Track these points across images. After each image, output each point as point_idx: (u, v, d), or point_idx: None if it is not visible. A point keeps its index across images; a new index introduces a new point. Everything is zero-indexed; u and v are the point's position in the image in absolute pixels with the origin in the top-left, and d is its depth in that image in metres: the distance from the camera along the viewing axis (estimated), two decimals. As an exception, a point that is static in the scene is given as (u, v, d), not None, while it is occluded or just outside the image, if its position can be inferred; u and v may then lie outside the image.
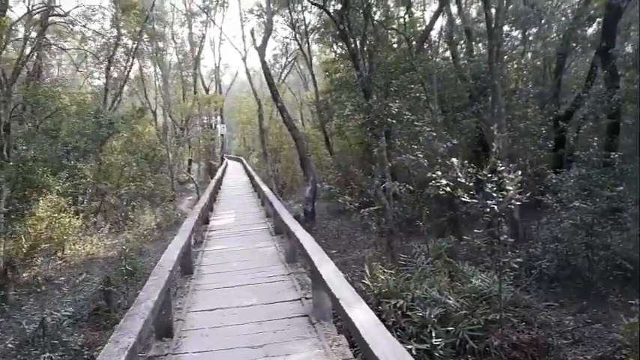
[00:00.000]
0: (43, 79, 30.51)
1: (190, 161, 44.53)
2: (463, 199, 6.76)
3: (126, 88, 43.43)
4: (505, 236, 6.83)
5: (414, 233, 14.42)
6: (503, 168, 6.74)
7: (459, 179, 6.69)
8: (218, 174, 23.15)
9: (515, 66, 14.88)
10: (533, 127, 13.02)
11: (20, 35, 20.63)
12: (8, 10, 17.41)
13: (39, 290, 12.43)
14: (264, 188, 12.64)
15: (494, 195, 6.66)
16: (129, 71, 35.42)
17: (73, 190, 18.78)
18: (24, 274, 13.67)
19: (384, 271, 8.05)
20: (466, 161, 8.99)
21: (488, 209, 6.59)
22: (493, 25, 12.40)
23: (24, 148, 17.62)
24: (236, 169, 35.15)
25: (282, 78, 41.98)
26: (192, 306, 5.29)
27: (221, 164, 40.19)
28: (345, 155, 22.53)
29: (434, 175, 9.11)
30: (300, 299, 5.18)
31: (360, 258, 14.46)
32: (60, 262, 15.34)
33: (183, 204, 31.56)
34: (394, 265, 9.95)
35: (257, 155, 45.20)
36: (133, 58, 35.06)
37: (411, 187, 9.53)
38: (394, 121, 9.30)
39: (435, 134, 9.77)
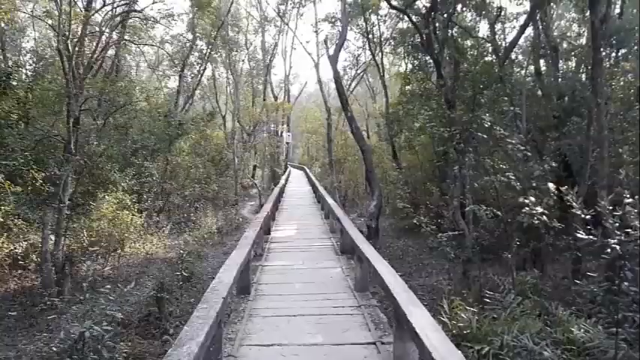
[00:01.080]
0: (120, 77, 31.81)
1: (255, 167, 44.79)
2: (579, 234, 5.53)
3: (198, 92, 44.60)
4: (627, 284, 5.55)
5: (489, 262, 13.08)
6: (630, 201, 5.48)
7: (573, 210, 5.48)
8: (281, 182, 22.71)
9: (622, 84, 13.18)
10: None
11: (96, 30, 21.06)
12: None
13: (93, 289, 12.24)
14: (330, 201, 11.85)
15: (617, 232, 5.43)
16: (201, 75, 36.12)
17: (138, 187, 18.89)
18: (83, 269, 13.59)
19: (465, 308, 6.94)
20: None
21: (609, 249, 5.36)
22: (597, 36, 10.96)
23: (95, 143, 17.86)
24: (299, 178, 34.76)
25: (351, 89, 41.35)
26: (247, 337, 4.50)
27: (285, 172, 40.03)
28: (414, 171, 21.31)
29: (526, 201, 7.91)
30: (374, 344, 4.26)
31: (429, 285, 13.29)
32: (119, 259, 15.23)
33: (246, 209, 31.45)
34: (473, 299, 8.77)
35: (320, 165, 44.73)
36: (207, 62, 35.76)
37: (498, 213, 8.34)
38: (485, 136, 8.19)
39: (529, 154, 8.53)
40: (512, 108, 11.48)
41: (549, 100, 14.89)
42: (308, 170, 37.13)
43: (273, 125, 50.37)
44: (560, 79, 15.94)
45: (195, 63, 36.46)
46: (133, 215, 16.96)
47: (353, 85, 42.52)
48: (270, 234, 10.63)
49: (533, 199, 8.34)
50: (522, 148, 8.58)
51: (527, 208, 7.96)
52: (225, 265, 4.75)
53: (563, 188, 9.10)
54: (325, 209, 13.54)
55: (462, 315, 6.72)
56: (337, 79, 20.99)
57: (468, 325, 6.46)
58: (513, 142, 8.51)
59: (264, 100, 42.22)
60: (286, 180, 26.22)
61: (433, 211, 13.20)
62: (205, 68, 36.70)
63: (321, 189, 16.91)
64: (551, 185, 8.42)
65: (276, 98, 46.36)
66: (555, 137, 13.57)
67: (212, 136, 34.92)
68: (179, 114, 22.89)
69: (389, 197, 23.61)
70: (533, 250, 11.88)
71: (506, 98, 11.89)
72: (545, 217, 8.00)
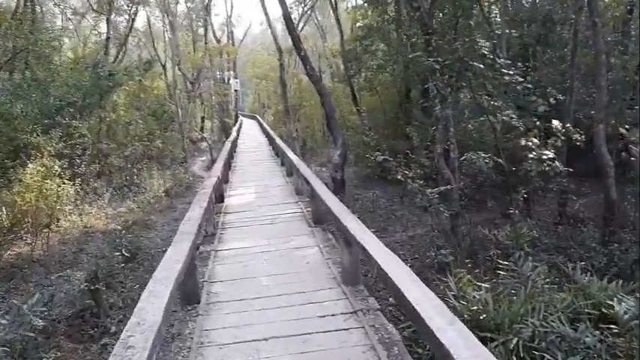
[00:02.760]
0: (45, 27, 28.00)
1: (203, 118, 41.93)
2: None
3: (133, 40, 40.58)
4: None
5: (470, 211, 11.96)
6: None
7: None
8: (233, 134, 20.66)
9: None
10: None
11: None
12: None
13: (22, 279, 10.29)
14: (291, 156, 10.17)
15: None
16: (134, 20, 32.54)
17: (69, 151, 16.47)
18: (6, 254, 11.49)
19: (476, 285, 5.61)
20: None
21: None
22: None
23: (7, 102, 15.19)
24: (252, 128, 32.60)
25: (299, 29, 38.59)
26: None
27: (235, 122, 37.62)
28: (376, 114, 19.76)
29: (530, 144, 6.52)
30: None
31: (407, 240, 12.08)
32: (47, 238, 13.15)
33: (196, 165, 29.23)
34: (469, 261, 7.52)
35: (273, 113, 42.44)
36: (137, 4, 32.13)
37: (499, 160, 6.97)
38: (482, 66, 6.63)
39: (530, 86, 7.07)
40: (492, 34, 9.92)
41: (524, 27, 13.48)
42: (261, 119, 34.88)
43: (218, 72, 47.13)
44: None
45: (125, 5, 32.79)
46: (63, 183, 14.73)
47: (301, 25, 39.68)
48: (223, 201, 8.85)
49: (536, 140, 6.99)
50: (522, 80, 7.10)
51: (534, 153, 6.59)
52: (156, 274, 3.07)
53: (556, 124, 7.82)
54: (286, 165, 11.84)
55: (474, 294, 5.39)
56: (286, 14, 18.67)
57: (483, 309, 5.14)
58: (511, 72, 7.00)
59: (205, 44, 38.90)
60: (238, 132, 24.10)
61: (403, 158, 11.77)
62: (137, 11, 33.11)
63: (278, 141, 15.12)
64: (556, 122, 7.07)
65: (219, 42, 43.00)
66: (533, 67, 12.25)
67: (152, 88, 31.95)
68: (109, 64, 20.01)
69: (349, 144, 22.08)
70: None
71: (486, 25, 10.31)
72: (557, 163, 6.68)
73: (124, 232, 12.60)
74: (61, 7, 38.41)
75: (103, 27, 35.13)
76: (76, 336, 7.55)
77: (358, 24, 20.33)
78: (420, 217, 14.24)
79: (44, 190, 13.94)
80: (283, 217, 7.38)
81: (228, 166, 12.60)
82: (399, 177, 7.30)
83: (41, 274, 10.60)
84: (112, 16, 32.95)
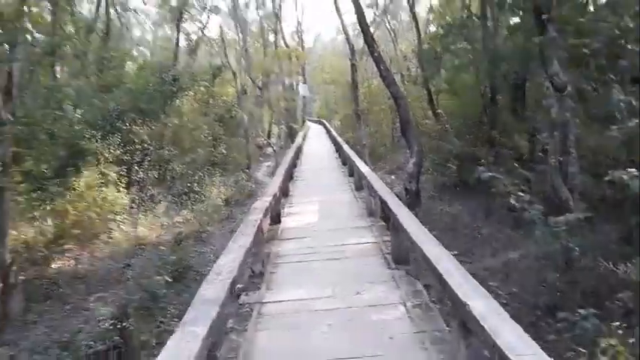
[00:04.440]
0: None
1: (270, 124, 41.24)
2: None
3: (206, 48, 40.76)
4: None
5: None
6: None
7: None
8: (297, 140, 19.30)
9: None
10: None
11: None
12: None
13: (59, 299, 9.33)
14: (362, 168, 8.49)
15: None
16: (205, 26, 32.38)
17: (128, 157, 15.81)
18: (51, 267, 10.66)
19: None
20: None
21: None
22: None
23: (70, 108, 14.67)
24: (318, 134, 31.26)
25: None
26: None
27: (302, 127, 36.55)
28: (456, 119, 17.60)
29: None
30: None
31: (500, 267, 9.94)
32: (101, 248, 12.31)
33: (261, 171, 28.25)
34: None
35: (340, 118, 40.97)
36: (208, 11, 31.94)
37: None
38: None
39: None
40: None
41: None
42: (328, 124, 33.40)
43: (287, 78, 46.47)
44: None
45: (196, 13, 32.76)
46: (118, 191, 13.97)
47: (371, 29, 37.96)
48: (280, 222, 7.28)
49: None
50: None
51: None
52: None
53: None
54: (355, 176, 10.16)
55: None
56: (360, 12, 17.05)
57: None
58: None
59: (275, 49, 38.19)
60: (304, 137, 22.76)
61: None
62: (209, 18, 32.94)
63: (346, 148, 13.50)
64: None
65: (288, 47, 42.25)
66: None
67: (222, 94, 31.50)
68: (173, 69, 19.34)
69: (424, 150, 19.99)
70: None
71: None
72: None
73: (173, 247, 11.51)
74: (141, 17, 39.48)
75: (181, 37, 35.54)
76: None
77: (437, 22, 18.28)
78: (511, 237, 12.02)
79: (97, 199, 13.24)
80: (353, 249, 5.66)
81: (289, 176, 11.12)
82: (512, 201, 5.36)
83: (81, 294, 9.61)
84: (183, 23, 33.21)
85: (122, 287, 10.00)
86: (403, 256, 4.94)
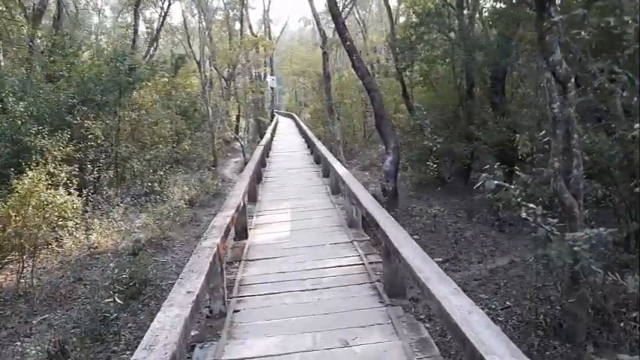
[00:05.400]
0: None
1: (238, 117, 39.80)
2: None
3: (168, 37, 38.95)
4: None
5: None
6: None
7: None
8: (267, 136, 18.16)
9: None
10: None
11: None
12: None
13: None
14: (339, 169, 7.51)
15: None
16: (166, 13, 30.69)
17: (81, 155, 14.40)
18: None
19: None
20: None
21: None
22: None
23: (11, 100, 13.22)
24: (288, 128, 30.15)
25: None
26: None
27: (271, 121, 35.37)
28: (432, 113, 16.85)
29: None
30: None
31: (489, 276, 9.24)
32: (50, 259, 11.03)
33: (228, 167, 26.97)
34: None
35: (310, 111, 39.97)
36: (170, -3, 30.30)
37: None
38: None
39: None
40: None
41: None
42: (298, 118, 32.29)
43: (254, 70, 45.03)
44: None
45: (156, -1, 31.08)
46: (69, 193, 12.59)
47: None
48: (247, 237, 6.25)
49: None
50: None
51: None
52: None
53: None
54: (332, 178, 9.21)
55: None
56: (330, -2, 16.05)
57: None
58: None
59: (241, 38, 36.77)
60: (273, 132, 21.60)
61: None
62: (170, 4, 31.22)
63: (319, 145, 12.50)
64: None
65: (255, 36, 40.86)
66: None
67: (186, 85, 30.02)
68: (130, 57, 17.88)
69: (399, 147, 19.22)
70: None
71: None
72: None
73: (127, 258, 10.36)
74: (96, 3, 37.33)
75: (142, 25, 33.72)
76: None
77: (411, 10, 17.47)
78: (496, 240, 11.40)
79: (44, 203, 11.86)
80: (334, 274, 4.70)
81: (258, 177, 10.08)
82: (523, 215, 4.51)
83: (23, 316, 8.37)
84: (143, 9, 31.44)
85: (72, 306, 8.86)
86: (398, 287, 4.03)
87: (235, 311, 4.00)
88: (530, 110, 11.87)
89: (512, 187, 4.61)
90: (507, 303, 7.92)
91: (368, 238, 5.82)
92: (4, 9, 19.87)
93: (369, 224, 5.31)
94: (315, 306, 4.05)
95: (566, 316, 6.42)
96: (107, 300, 7.36)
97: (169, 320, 2.41)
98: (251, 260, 5.39)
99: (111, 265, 7.43)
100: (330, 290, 4.34)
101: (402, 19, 30.06)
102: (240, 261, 5.33)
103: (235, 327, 3.74)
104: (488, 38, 15.55)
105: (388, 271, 4.06)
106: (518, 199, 4.56)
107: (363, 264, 4.93)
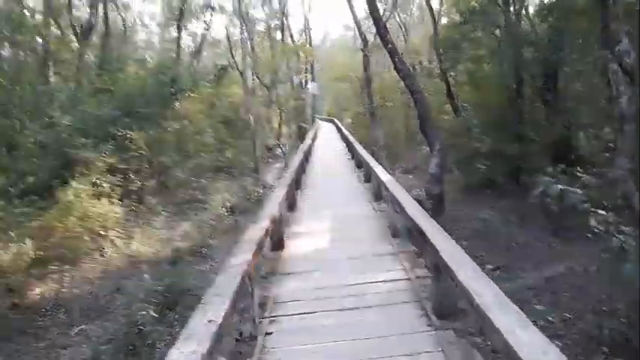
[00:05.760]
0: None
1: (280, 124, 39.89)
2: None
3: (212, 50, 39.52)
4: None
5: None
6: None
7: None
8: (307, 141, 17.87)
9: None
10: None
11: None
12: None
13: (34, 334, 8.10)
14: (383, 176, 7.06)
15: None
16: (209, 25, 31.19)
17: (124, 165, 14.61)
18: (30, 294, 9.44)
19: None
20: None
21: None
22: None
23: (56, 114, 13.57)
24: (329, 133, 29.83)
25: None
26: None
27: (312, 126, 35.21)
28: (480, 113, 16.08)
29: None
30: None
31: (544, 285, 8.49)
32: (91, 268, 11.09)
33: (270, 174, 26.84)
34: None
35: (351, 116, 39.52)
36: (211, 9, 30.73)
37: None
38: None
39: None
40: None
41: None
42: (339, 123, 31.91)
43: (295, 77, 45.14)
44: None
45: (198, 11, 31.59)
46: (111, 203, 12.76)
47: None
48: (283, 247, 5.89)
49: None
50: None
51: None
52: None
53: None
54: (374, 184, 8.76)
55: None
56: (371, 1, 15.64)
57: None
58: None
59: (282, 46, 36.87)
60: (313, 138, 21.28)
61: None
62: (212, 16, 31.71)
63: (361, 150, 12.07)
64: None
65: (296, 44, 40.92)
66: None
67: (228, 94, 30.26)
68: (172, 69, 18.09)
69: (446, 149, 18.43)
70: None
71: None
72: None
73: (166, 267, 10.28)
74: (143, 20, 38.42)
75: (186, 39, 34.44)
76: None
77: (455, 9, 16.81)
78: (551, 245, 10.54)
79: (88, 213, 12.05)
80: (378, 291, 4.24)
81: (297, 184, 9.74)
82: (593, 224, 3.94)
83: (61, 327, 8.36)
84: (186, 22, 32.03)
85: (110, 317, 8.80)
86: (448, 307, 3.55)
87: (267, 334, 3.62)
88: (587, 107, 11.00)
89: (580, 191, 4.04)
90: (566, 315, 7.16)
91: (413, 248, 5.34)
92: (56, 28, 20.65)
93: (413, 233, 4.85)
94: (356, 328, 3.61)
95: (633, 332, 5.71)
96: (142, 313, 7.18)
97: (183, 358, 2.05)
98: (287, 274, 5.02)
99: (145, 276, 7.24)
100: (373, 310, 3.89)
101: (444, 20, 29.25)
102: (275, 274, 4.98)
103: (267, 352, 3.36)
104: (537, 34, 14.70)
105: (438, 290, 3.59)
106: (585, 205, 3.97)
107: (409, 279, 4.45)
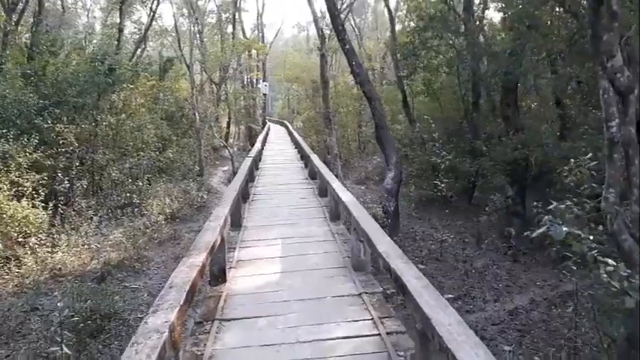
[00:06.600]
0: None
1: (229, 124, 38.43)
2: None
3: (158, 40, 37.48)
4: None
5: None
6: None
7: None
8: (256, 145, 16.84)
9: None
10: None
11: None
12: None
13: None
14: (343, 195, 6.24)
15: None
16: (154, 12, 29.34)
17: (51, 162, 13.08)
18: None
19: None
20: None
21: None
22: None
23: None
24: (280, 137, 28.86)
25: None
26: None
27: (262, 128, 34.08)
28: (437, 125, 15.62)
29: None
30: None
31: (508, 319, 8.01)
32: (4, 282, 9.65)
33: (216, 177, 25.47)
34: None
35: (303, 119, 38.73)
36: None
37: None
38: None
39: None
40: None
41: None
42: (290, 127, 31.01)
43: (246, 75, 43.75)
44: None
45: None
46: (33, 206, 11.27)
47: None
48: (225, 282, 4.89)
49: None
50: None
51: None
52: None
53: None
54: (330, 200, 7.94)
55: None
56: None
57: None
58: None
59: (233, 41, 35.54)
60: (263, 142, 20.25)
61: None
62: (158, 4, 29.86)
63: (315, 160, 11.24)
64: None
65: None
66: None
67: (173, 89, 28.59)
68: (111, 57, 16.54)
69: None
70: None
71: None
72: None
73: (92, 284, 9.02)
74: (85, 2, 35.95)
75: (131, 27, 32.39)
76: None
77: (416, 14, 16.35)
78: (511, 272, 10.19)
79: (2, 216, 10.56)
80: (340, 356, 3.40)
81: (244, 196, 8.75)
82: (603, 275, 3.29)
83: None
84: (131, 9, 30.07)
85: (24, 342, 7.53)
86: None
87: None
88: (549, 126, 10.71)
89: (590, 237, 3.37)
90: (536, 359, 6.60)
91: (380, 289, 4.53)
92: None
93: (381, 270, 4.05)
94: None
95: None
96: (53, 349, 5.98)
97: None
98: (227, 320, 4.03)
99: (59, 304, 6.02)
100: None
101: (398, 27, 28.94)
102: (213, 321, 4.01)
103: None
104: (494, 46, 14.46)
105: (422, 356, 2.79)
106: (595, 254, 3.32)
107: (379, 334, 3.64)
